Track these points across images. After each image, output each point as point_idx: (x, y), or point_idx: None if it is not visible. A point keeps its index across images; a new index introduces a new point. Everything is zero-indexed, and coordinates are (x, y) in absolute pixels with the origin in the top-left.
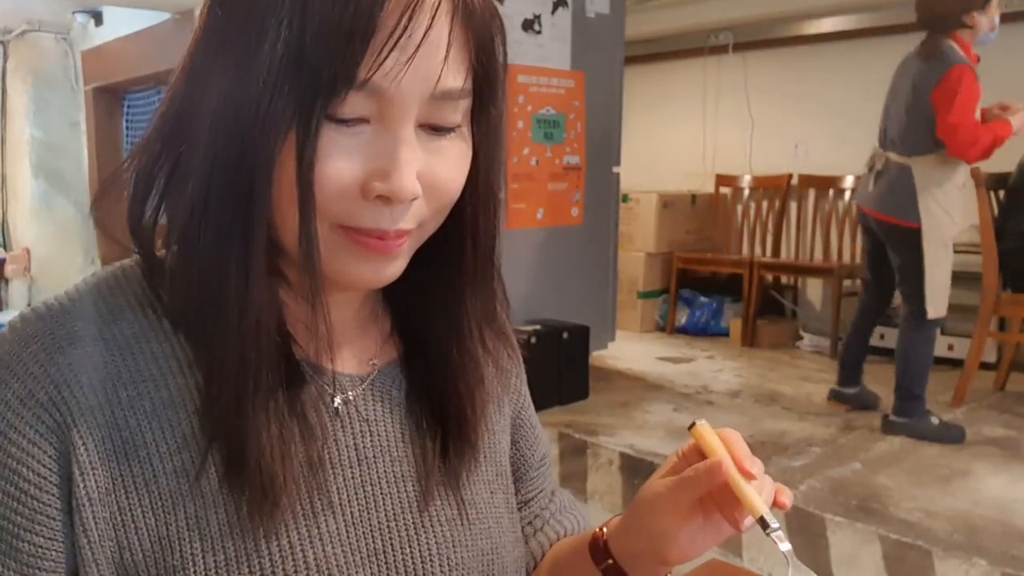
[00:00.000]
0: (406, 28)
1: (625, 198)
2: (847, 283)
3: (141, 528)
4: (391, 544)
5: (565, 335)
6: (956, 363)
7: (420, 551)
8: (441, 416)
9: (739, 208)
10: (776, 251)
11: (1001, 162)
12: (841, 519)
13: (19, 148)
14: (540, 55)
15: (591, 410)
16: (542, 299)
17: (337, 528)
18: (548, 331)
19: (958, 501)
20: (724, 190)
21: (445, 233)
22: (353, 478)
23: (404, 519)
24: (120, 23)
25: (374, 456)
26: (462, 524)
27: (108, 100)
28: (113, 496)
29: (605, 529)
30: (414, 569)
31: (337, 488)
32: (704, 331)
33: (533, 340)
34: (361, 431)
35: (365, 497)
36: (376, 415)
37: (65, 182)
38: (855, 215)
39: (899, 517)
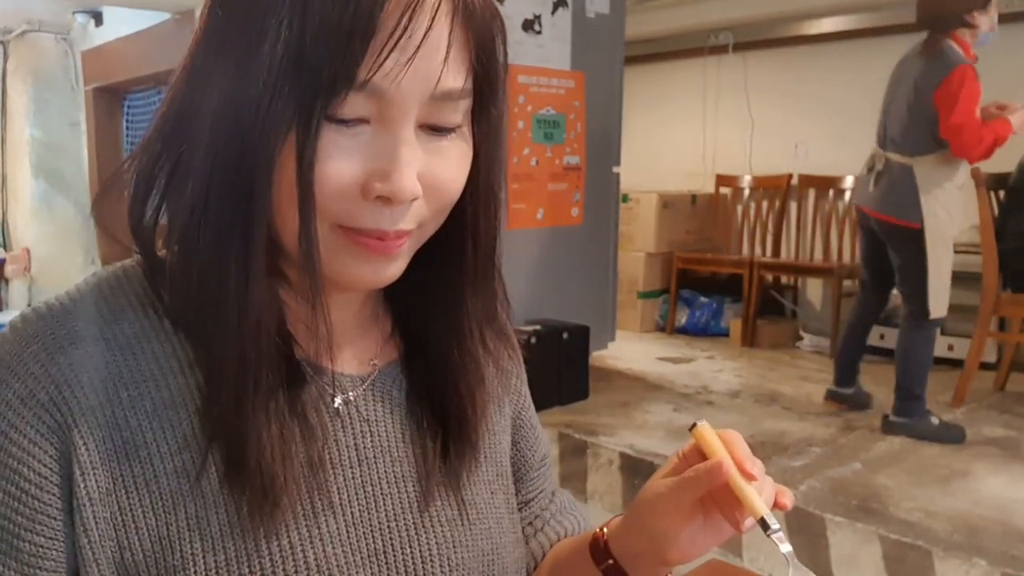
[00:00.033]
0: (406, 29)
1: (625, 198)
2: (847, 283)
3: (142, 528)
4: (391, 544)
5: (565, 335)
6: (956, 363)
7: (420, 551)
8: (442, 416)
9: (739, 208)
10: (776, 251)
11: (1001, 162)
12: (841, 519)
13: (19, 148)
14: (540, 55)
15: (591, 410)
16: (542, 299)
17: (337, 528)
18: (548, 331)
19: (958, 501)
20: (724, 190)
21: (446, 233)
22: (353, 478)
23: (404, 519)
24: (120, 23)
25: (374, 456)
26: (462, 524)
27: (108, 100)
28: (114, 496)
29: (605, 529)
30: (414, 569)
31: (337, 488)
32: (704, 331)
33: (533, 340)
34: (362, 431)
35: (365, 497)
36: (377, 415)
37: (65, 182)
38: (855, 215)
39: (899, 517)
